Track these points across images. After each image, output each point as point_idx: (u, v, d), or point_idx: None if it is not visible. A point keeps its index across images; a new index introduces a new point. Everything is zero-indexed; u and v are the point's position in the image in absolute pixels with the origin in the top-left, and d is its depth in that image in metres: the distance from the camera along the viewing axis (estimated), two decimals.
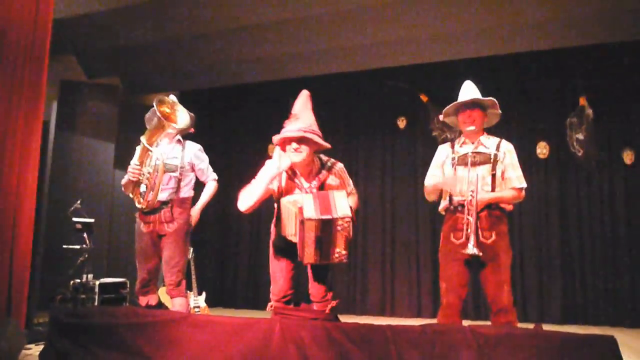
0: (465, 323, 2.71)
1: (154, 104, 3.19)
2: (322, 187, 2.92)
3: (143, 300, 3.48)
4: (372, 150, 6.92)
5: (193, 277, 5.25)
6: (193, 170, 3.57)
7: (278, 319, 2.54)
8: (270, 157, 2.90)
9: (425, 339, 2.30)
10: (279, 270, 2.98)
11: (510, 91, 6.17)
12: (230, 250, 7.41)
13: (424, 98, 6.38)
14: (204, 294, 5.40)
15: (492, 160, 2.96)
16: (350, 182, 3.02)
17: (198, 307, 5.25)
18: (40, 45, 4.08)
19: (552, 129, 6.09)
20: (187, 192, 3.52)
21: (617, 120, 5.95)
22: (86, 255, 4.83)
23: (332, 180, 2.93)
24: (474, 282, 3.06)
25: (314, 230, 2.66)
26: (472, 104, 3.01)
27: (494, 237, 2.89)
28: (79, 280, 4.87)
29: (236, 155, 7.21)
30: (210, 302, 5.63)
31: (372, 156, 6.92)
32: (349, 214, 2.64)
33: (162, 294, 4.00)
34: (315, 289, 2.95)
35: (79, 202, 5.02)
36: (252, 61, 5.90)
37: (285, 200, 2.84)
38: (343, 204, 2.68)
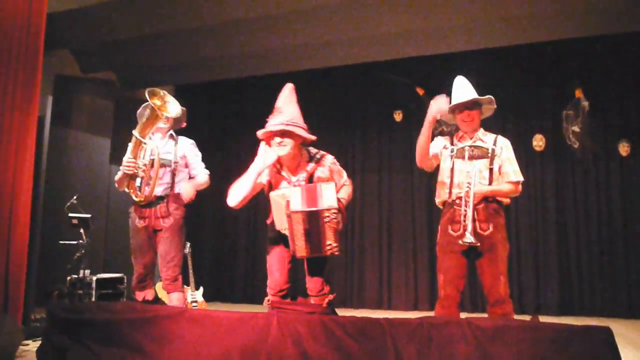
0: (462, 315, 2.72)
1: (146, 95, 3.21)
2: (311, 179, 2.92)
3: (140, 296, 3.48)
4: (368, 143, 6.92)
5: (190, 271, 5.25)
6: (187, 165, 3.57)
7: (275, 313, 2.54)
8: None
9: (422, 332, 2.31)
10: (275, 264, 2.98)
11: (506, 83, 6.17)
12: (227, 245, 7.41)
13: (420, 91, 6.37)
14: (201, 288, 5.41)
15: (489, 155, 2.99)
16: (344, 173, 3.02)
17: (195, 301, 5.25)
18: (35, 39, 4.06)
19: (549, 122, 6.10)
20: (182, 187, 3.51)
21: (613, 112, 5.96)
22: (83, 251, 4.82)
23: (321, 172, 2.93)
24: (470, 274, 3.08)
25: (301, 223, 2.68)
26: (472, 104, 3.02)
27: (491, 229, 2.92)
28: (76, 276, 4.87)
29: (232, 150, 7.19)
30: (207, 297, 5.64)
31: (368, 149, 6.92)
32: (335, 205, 2.65)
33: (160, 289, 4.00)
34: (312, 283, 2.96)
35: (75, 197, 5.01)
36: (248, 55, 5.88)
37: (274, 194, 2.85)
38: (329, 195, 2.68)
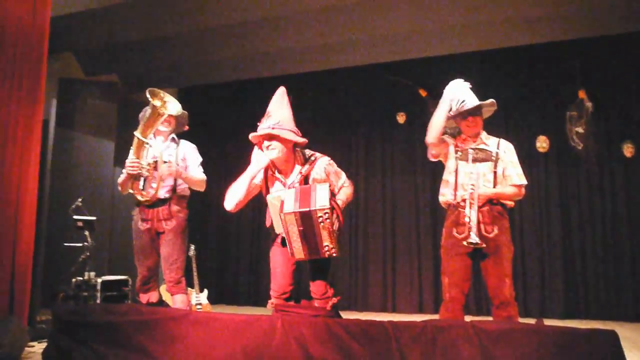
0: (467, 318, 2.72)
1: (147, 95, 3.24)
2: (306, 181, 2.93)
3: (144, 298, 3.49)
4: (371, 145, 6.92)
5: (195, 274, 5.26)
6: (187, 168, 3.58)
7: (279, 316, 2.55)
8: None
9: (426, 335, 2.31)
10: (278, 267, 2.99)
11: (510, 85, 6.16)
12: (232, 247, 7.42)
13: (423, 93, 6.36)
14: (205, 291, 5.42)
15: (493, 159, 3.01)
16: (342, 175, 3.01)
17: (200, 304, 5.26)
18: (39, 43, 4.08)
19: (552, 123, 6.08)
20: (184, 190, 3.52)
21: (617, 113, 5.95)
22: (88, 253, 4.84)
23: (316, 174, 2.93)
24: (475, 277, 3.08)
25: (295, 224, 2.69)
26: (475, 109, 3.03)
27: (496, 231, 2.93)
28: (81, 278, 4.88)
29: (235, 152, 7.20)
30: (212, 299, 5.65)
31: (371, 151, 6.91)
32: (327, 205, 2.64)
33: (164, 291, 4.01)
34: (315, 286, 2.96)
35: (79, 199, 5.03)
36: (251, 57, 5.89)
37: (270, 197, 2.87)
38: (322, 196, 2.68)
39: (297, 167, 2.96)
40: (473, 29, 5.13)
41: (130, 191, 3.43)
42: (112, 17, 5.18)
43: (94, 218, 5.03)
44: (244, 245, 7.32)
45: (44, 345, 2.97)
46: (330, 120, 7.00)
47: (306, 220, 2.67)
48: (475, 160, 3.00)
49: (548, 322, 2.65)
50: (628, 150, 5.81)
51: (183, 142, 3.61)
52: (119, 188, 3.52)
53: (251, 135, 2.91)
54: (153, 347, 2.57)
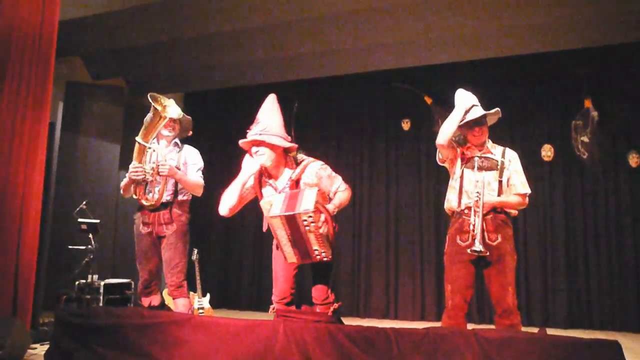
0: (469, 326, 2.71)
1: (150, 99, 3.26)
2: (297, 186, 2.94)
3: (146, 301, 3.49)
4: (376, 151, 6.91)
5: (197, 278, 5.26)
6: None
7: (282, 321, 2.55)
8: None
9: (428, 342, 2.30)
10: (280, 272, 3.01)
11: (515, 93, 6.15)
12: (234, 251, 7.42)
13: (428, 100, 6.37)
14: (208, 295, 5.42)
15: (499, 168, 3.02)
16: (337, 179, 3.00)
17: (202, 308, 5.26)
18: (46, 46, 4.11)
19: (557, 132, 6.07)
20: (185, 194, 3.53)
21: (623, 122, 5.92)
22: (91, 256, 4.86)
23: (307, 178, 2.94)
24: (478, 285, 3.07)
25: (283, 229, 2.72)
26: (481, 118, 3.03)
27: (499, 239, 2.94)
28: (84, 281, 4.89)
29: (241, 157, 7.19)
30: (214, 304, 5.64)
31: (376, 157, 6.91)
32: (311, 208, 2.65)
33: (167, 295, 4.02)
34: (317, 291, 2.97)
35: (84, 202, 5.05)
36: (257, 63, 5.92)
37: (262, 202, 2.90)
38: (307, 200, 2.70)
39: (288, 172, 2.98)
40: (479, 38, 5.13)
41: (134, 196, 3.44)
42: (119, 22, 5.22)
43: (98, 221, 5.04)
44: (247, 249, 7.32)
45: (46, 347, 2.98)
46: (336, 127, 7.01)
47: (292, 224, 2.70)
48: (480, 168, 3.02)
49: (551, 331, 2.64)
50: (633, 160, 5.78)
51: (186, 146, 3.62)
52: (122, 192, 3.54)
53: (240, 142, 2.96)
54: (155, 351, 2.58)
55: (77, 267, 4.84)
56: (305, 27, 5.15)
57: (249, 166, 2.95)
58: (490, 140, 3.13)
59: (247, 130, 2.96)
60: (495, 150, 3.09)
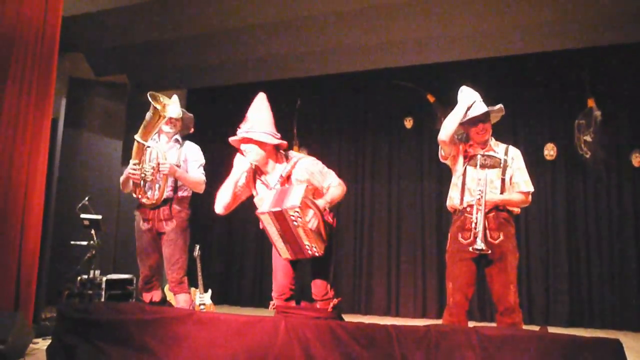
0: (471, 324, 2.71)
1: (149, 98, 3.25)
2: (289, 182, 2.95)
3: (147, 297, 3.51)
4: (379, 149, 6.91)
5: (199, 274, 5.27)
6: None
7: (283, 317, 2.55)
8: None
9: (429, 340, 2.30)
10: (279, 268, 3.02)
11: (518, 92, 6.14)
12: (236, 248, 7.43)
13: (430, 98, 6.36)
14: (209, 291, 5.42)
15: (501, 165, 3.01)
16: (330, 175, 2.98)
17: (204, 304, 5.27)
18: (50, 43, 4.12)
19: (560, 131, 6.06)
20: (185, 190, 3.53)
21: (626, 122, 5.91)
22: (93, 252, 4.87)
23: (298, 175, 2.94)
24: (480, 283, 3.07)
25: (272, 225, 2.75)
26: (485, 116, 3.03)
27: (501, 237, 2.93)
28: (86, 276, 4.91)
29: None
30: (215, 300, 5.65)
31: (379, 156, 6.91)
32: (297, 204, 2.65)
33: (168, 291, 4.03)
34: (316, 287, 2.98)
35: (87, 198, 5.06)
36: (260, 60, 5.92)
37: (256, 199, 2.93)
38: (295, 195, 2.71)
39: (279, 169, 2.99)
40: (482, 36, 5.13)
41: (134, 195, 3.44)
42: (123, 19, 5.22)
43: (100, 217, 5.05)
44: (249, 246, 7.33)
45: (48, 342, 2.98)
46: (338, 125, 7.01)
47: (281, 220, 2.72)
48: (483, 166, 3.00)
49: (552, 329, 2.64)
50: (637, 159, 5.77)
51: (187, 143, 3.62)
52: (121, 186, 3.54)
53: (230, 139, 2.97)
54: (156, 346, 2.58)
55: (79, 263, 4.85)
56: (308, 25, 5.15)
57: (240, 164, 2.95)
58: (493, 138, 3.12)
59: (237, 128, 2.96)
60: (498, 148, 3.08)
